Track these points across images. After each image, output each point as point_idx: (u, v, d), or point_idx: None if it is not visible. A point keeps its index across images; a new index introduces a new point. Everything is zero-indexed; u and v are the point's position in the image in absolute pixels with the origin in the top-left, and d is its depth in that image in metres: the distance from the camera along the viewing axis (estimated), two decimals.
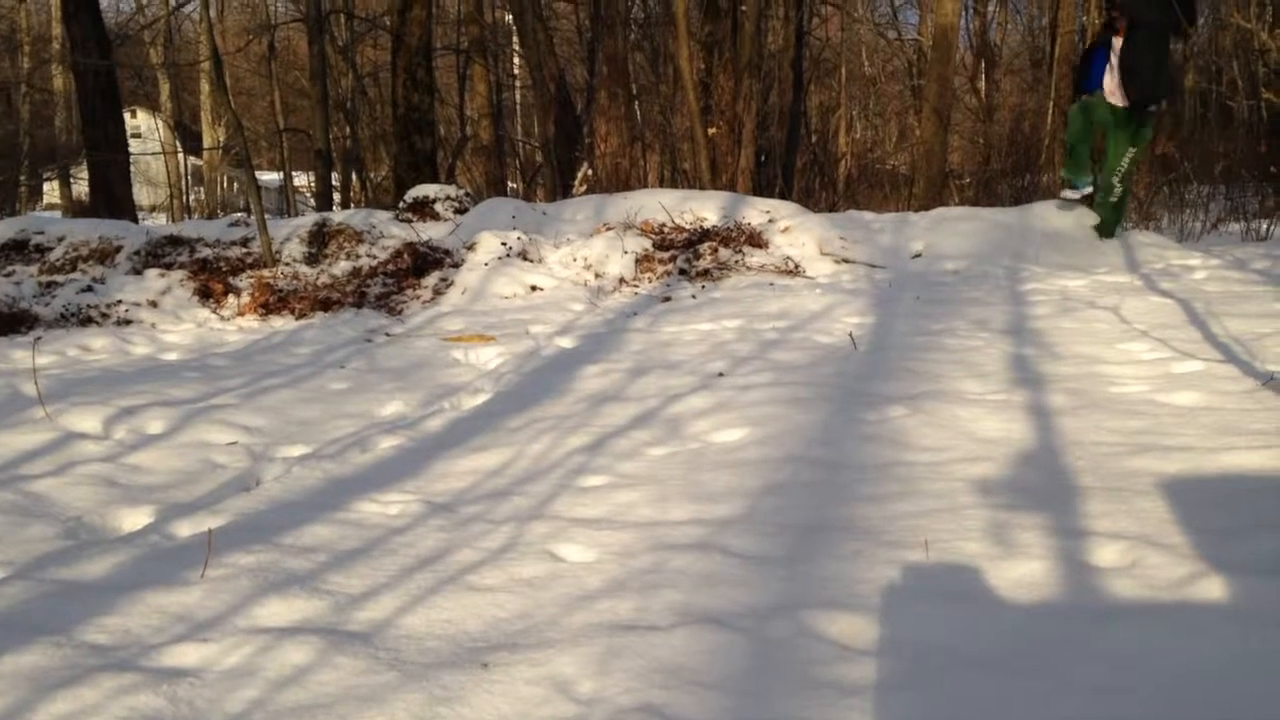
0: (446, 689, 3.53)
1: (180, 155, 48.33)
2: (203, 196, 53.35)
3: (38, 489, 5.84)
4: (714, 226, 14.02)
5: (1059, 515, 4.80)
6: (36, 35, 45.81)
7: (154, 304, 12.63)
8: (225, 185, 56.54)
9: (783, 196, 20.28)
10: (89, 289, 12.90)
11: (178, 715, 3.43)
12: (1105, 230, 13.54)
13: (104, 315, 12.35)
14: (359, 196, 30.52)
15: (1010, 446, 6.00)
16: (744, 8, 21.82)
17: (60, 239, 14.62)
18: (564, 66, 29.84)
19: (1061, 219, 14.04)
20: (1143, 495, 5.01)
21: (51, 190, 49.21)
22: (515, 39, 31.92)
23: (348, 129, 31.18)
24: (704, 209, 14.65)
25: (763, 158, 24.54)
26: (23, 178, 36.85)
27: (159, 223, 29.39)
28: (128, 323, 12.21)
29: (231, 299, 12.83)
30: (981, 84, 38.60)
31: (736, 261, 12.96)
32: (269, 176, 43.90)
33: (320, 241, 14.26)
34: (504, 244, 13.16)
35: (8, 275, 13.64)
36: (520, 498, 5.59)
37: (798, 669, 3.56)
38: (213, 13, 20.96)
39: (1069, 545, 4.44)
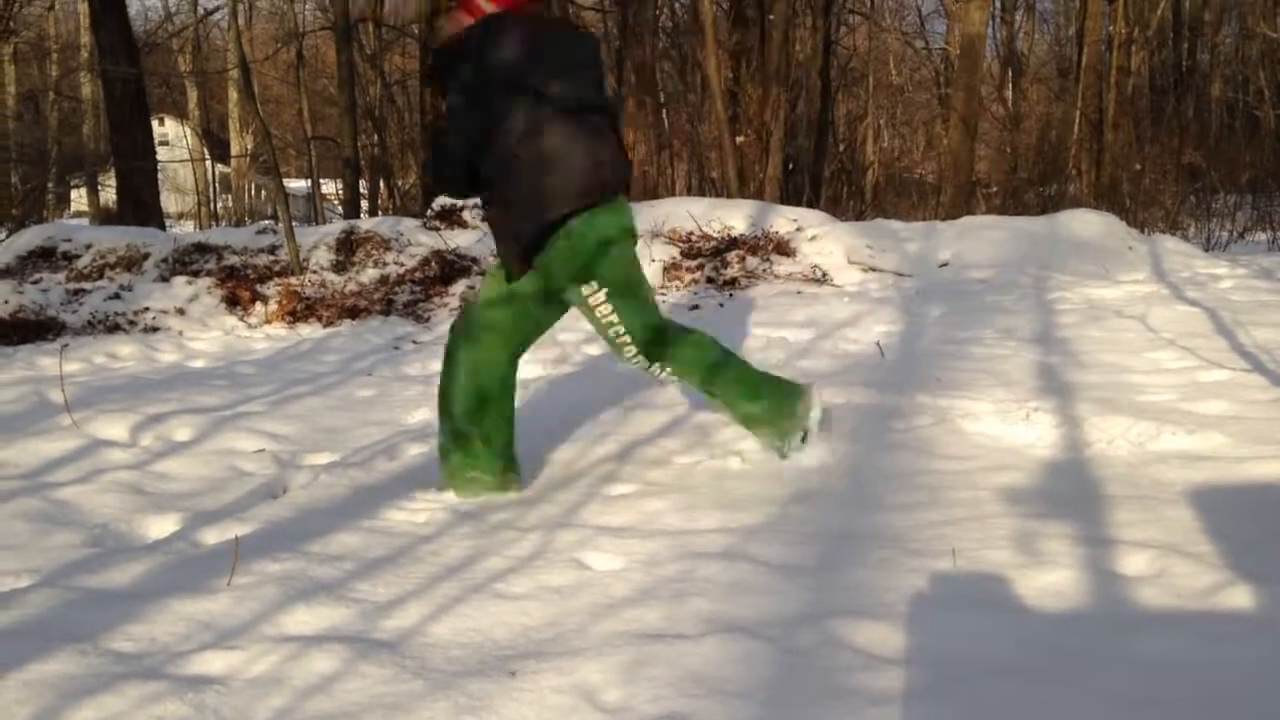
0: (473, 698, 3.52)
1: (208, 163, 48.58)
2: (230, 204, 53.61)
3: (64, 496, 5.85)
4: (742, 235, 14.04)
5: (1086, 524, 4.80)
6: (65, 43, 46.02)
7: (181, 311, 12.66)
8: (253, 193, 56.75)
9: (810, 205, 20.34)
10: (116, 296, 12.94)
11: None
12: None
13: (131, 322, 12.39)
14: (387, 204, 30.61)
15: (1037, 455, 6.00)
16: (772, 17, 21.86)
17: (88, 246, 14.67)
18: None
19: (1088, 228, 14.01)
20: (1170, 504, 5.00)
21: (79, 198, 49.38)
22: None
23: (376, 137, 31.24)
24: (732, 217, 14.66)
25: (790, 166, 24.57)
26: (50, 185, 36.97)
27: (186, 230, 29.49)
28: (155, 330, 12.24)
29: (259, 306, 12.87)
30: (1009, 93, 38.59)
31: (764, 270, 12.97)
32: (297, 184, 43.99)
33: (348, 249, 14.29)
34: None
35: (35, 282, 13.69)
36: (547, 505, 5.59)
37: (824, 678, 3.56)
38: (241, 21, 20.94)
39: (1096, 554, 4.44)
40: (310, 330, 12.10)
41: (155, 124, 31.04)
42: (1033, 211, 19.93)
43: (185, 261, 14.19)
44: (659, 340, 5.91)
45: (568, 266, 5.65)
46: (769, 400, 6.08)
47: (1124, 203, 19.44)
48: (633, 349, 5.88)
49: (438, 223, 15.56)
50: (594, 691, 3.55)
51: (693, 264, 13.29)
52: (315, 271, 13.81)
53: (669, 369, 5.98)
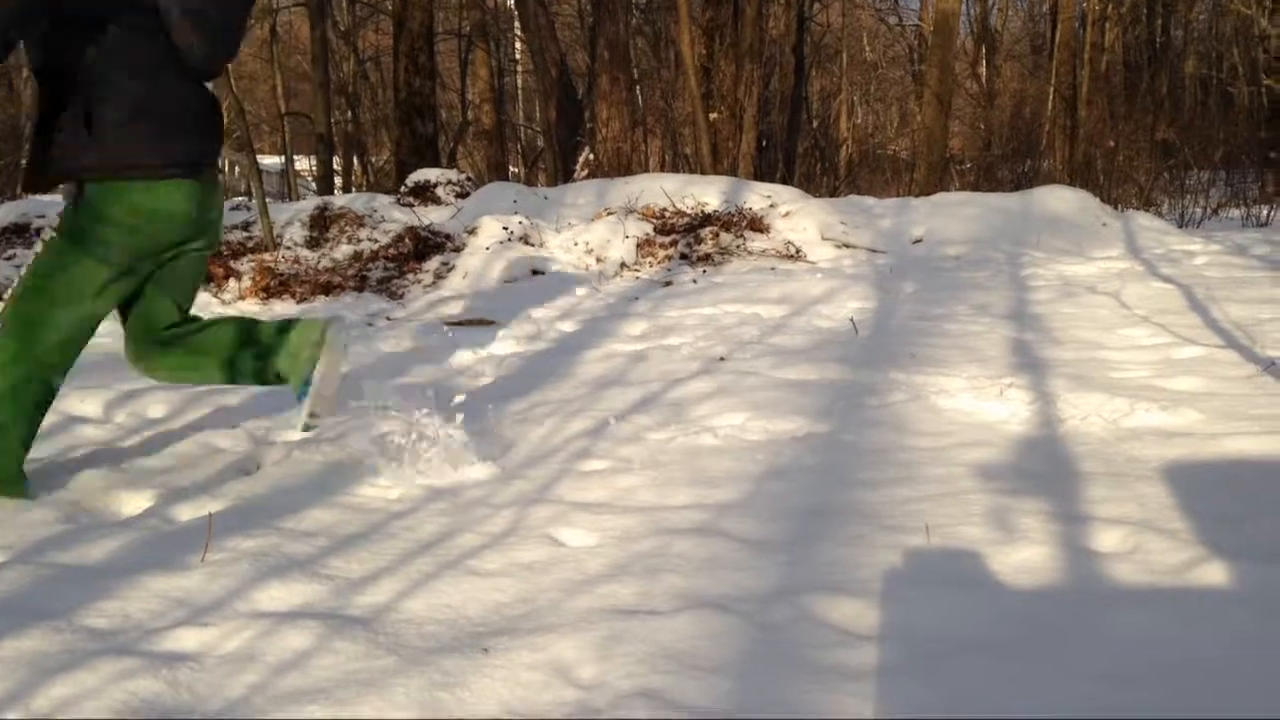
0: (447, 674, 3.52)
1: None
2: None
3: (37, 472, 5.83)
4: (715, 211, 14.04)
5: (1060, 500, 4.81)
6: None
7: None
8: (227, 169, 56.52)
9: (784, 181, 20.28)
10: None
11: (177, 699, 3.42)
12: None
13: None
14: (360, 181, 30.60)
15: (1011, 431, 6.02)
16: None
17: None
18: (565, 51, 29.85)
19: (1062, 204, 14.04)
20: (1144, 480, 5.02)
21: None
22: (517, 23, 31.93)
23: (349, 113, 31.23)
24: (705, 194, 14.66)
25: (764, 143, 24.56)
26: (24, 161, 36.90)
27: None
28: None
29: (232, 283, 12.83)
30: (982, 69, 38.62)
31: (738, 246, 12.98)
32: (270, 160, 43.85)
33: (321, 225, 14.27)
34: (505, 228, 13.17)
35: (9, 259, 13.66)
36: (521, 482, 5.59)
37: (799, 654, 3.56)
38: None
39: (1070, 530, 4.45)
40: (284, 307, 12.08)
41: None
42: (1006, 188, 19.96)
43: None
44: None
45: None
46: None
47: (1098, 179, 19.48)
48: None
49: (411, 199, 15.58)
50: (567, 668, 3.55)
51: (666, 240, 13.29)
52: (289, 248, 13.80)
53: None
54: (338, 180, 28.47)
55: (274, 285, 12.60)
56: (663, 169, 23.77)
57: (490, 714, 3.33)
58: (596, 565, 4.38)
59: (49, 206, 15.68)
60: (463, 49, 34.00)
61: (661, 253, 13.00)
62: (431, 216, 14.64)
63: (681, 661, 3.54)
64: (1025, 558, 4.23)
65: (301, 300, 12.22)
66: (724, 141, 21.49)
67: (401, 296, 12.22)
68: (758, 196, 14.53)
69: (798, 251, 12.89)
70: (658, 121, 26.23)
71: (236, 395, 7.51)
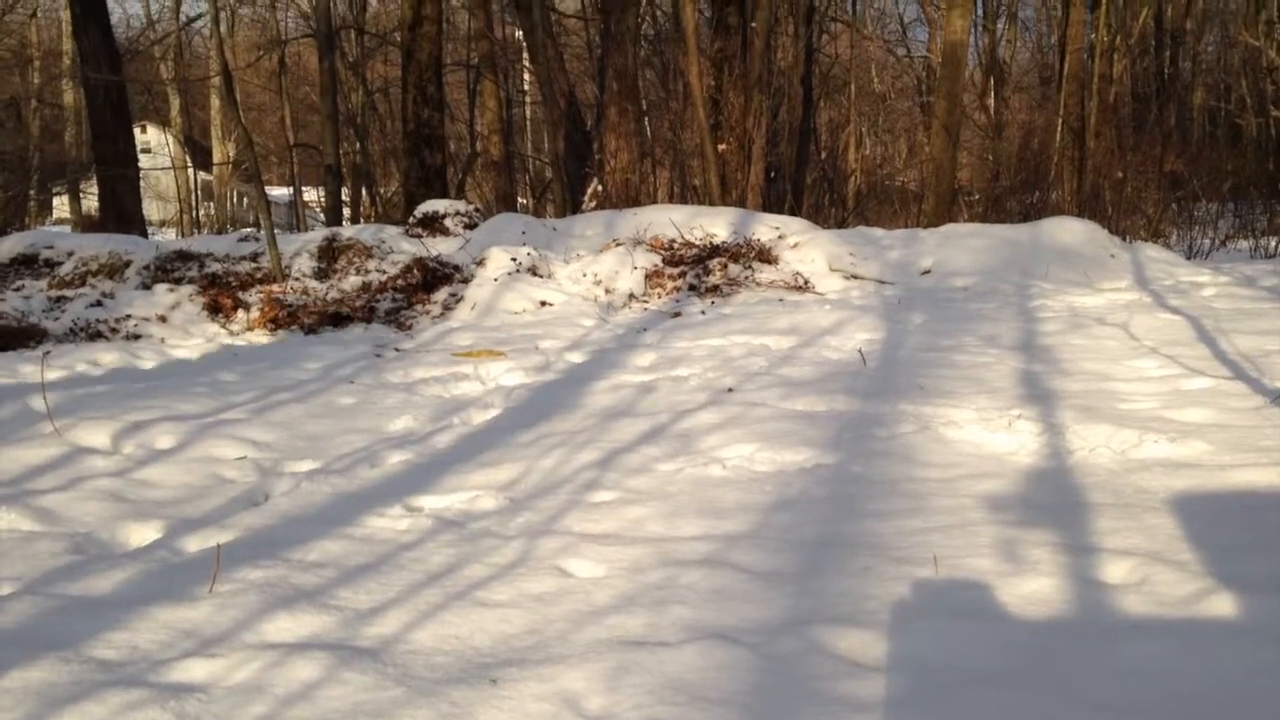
0: (455, 705, 3.52)
1: (190, 170, 48.49)
2: (212, 211, 53.56)
3: (46, 504, 5.83)
4: (724, 242, 14.04)
5: (1068, 531, 4.80)
6: (47, 50, 45.97)
7: (163, 319, 12.64)
8: (235, 200, 56.70)
9: (792, 213, 20.31)
10: (98, 304, 12.92)
11: None
12: None
13: (113, 330, 12.37)
14: (369, 211, 30.62)
15: (1019, 463, 6.00)
16: (754, 24, 21.83)
17: (70, 254, 14.64)
18: (574, 82, 29.90)
19: (1071, 235, 14.03)
20: (1152, 512, 5.01)
21: (61, 205, 49.31)
22: (525, 55, 31.97)
23: (358, 144, 31.28)
24: (714, 225, 14.67)
25: (772, 174, 24.55)
26: (32, 192, 36.93)
27: (168, 238, 29.46)
28: (137, 337, 12.22)
29: (241, 314, 12.85)
30: (991, 101, 38.63)
31: (746, 278, 12.97)
32: (279, 192, 43.99)
33: (330, 257, 14.29)
34: (514, 259, 13.17)
35: (17, 290, 13.67)
36: (530, 513, 5.58)
37: (807, 685, 3.56)
38: (223, 29, 20.96)
39: (1078, 562, 4.44)
40: (292, 338, 12.08)
41: (137, 131, 31.03)
42: (1015, 219, 19.96)
43: (167, 269, 14.18)
44: None
45: None
46: None
47: (1106, 210, 19.47)
48: None
49: (420, 230, 15.58)
50: (575, 699, 3.55)
51: (675, 271, 13.30)
52: (297, 279, 13.82)
53: None
54: (346, 211, 28.53)
55: (282, 316, 12.62)
56: (671, 200, 23.78)
57: None
58: (605, 596, 4.38)
59: (58, 237, 15.71)
60: (471, 80, 34.08)
61: (670, 284, 13.01)
62: (440, 247, 14.66)
63: (690, 693, 3.53)
64: (1034, 589, 4.23)
65: (309, 331, 12.23)
66: (732, 172, 21.49)
67: (410, 328, 12.23)
68: (766, 228, 14.55)
69: (806, 283, 12.89)
70: (666, 153, 26.24)
71: (246, 426, 7.51)
